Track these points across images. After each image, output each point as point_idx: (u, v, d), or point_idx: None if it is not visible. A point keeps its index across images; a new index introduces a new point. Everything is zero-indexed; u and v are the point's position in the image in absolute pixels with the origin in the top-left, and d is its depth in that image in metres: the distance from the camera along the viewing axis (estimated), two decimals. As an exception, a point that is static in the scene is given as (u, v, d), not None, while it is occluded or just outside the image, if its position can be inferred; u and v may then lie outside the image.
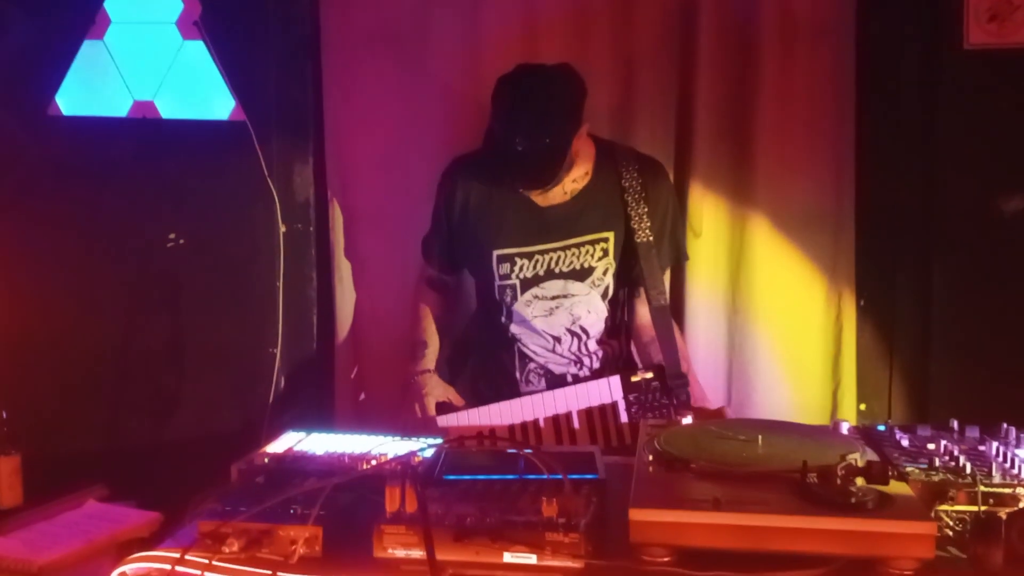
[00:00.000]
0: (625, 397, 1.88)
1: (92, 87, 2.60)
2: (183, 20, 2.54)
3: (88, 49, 2.58)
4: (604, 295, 2.06)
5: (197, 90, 2.55)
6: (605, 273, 2.04)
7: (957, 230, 2.36)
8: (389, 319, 2.56)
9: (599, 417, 1.88)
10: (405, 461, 1.39)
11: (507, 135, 1.88)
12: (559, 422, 1.88)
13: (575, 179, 2.01)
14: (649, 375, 1.89)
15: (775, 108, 2.36)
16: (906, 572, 1.13)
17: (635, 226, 1.99)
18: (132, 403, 2.62)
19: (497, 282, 2.05)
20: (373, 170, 2.54)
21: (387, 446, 1.53)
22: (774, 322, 2.43)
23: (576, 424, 1.88)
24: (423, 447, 1.48)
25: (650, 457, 1.35)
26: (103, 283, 2.62)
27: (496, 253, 2.04)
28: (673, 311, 2.43)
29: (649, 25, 2.39)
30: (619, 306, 2.09)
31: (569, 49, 2.36)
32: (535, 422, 1.89)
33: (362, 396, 2.55)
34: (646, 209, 2.00)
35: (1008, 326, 2.33)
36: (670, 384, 1.91)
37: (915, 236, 2.38)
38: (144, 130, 2.58)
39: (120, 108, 2.60)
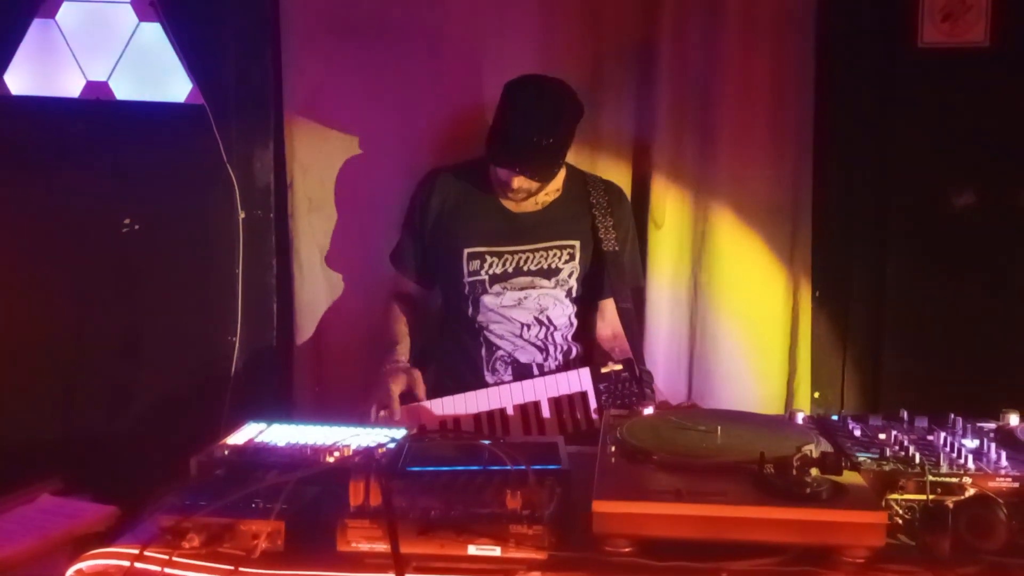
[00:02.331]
0: (595, 387, 1.92)
1: (43, 67, 2.52)
2: (139, 0, 2.48)
3: (39, 28, 2.50)
4: (569, 294, 2.14)
5: (153, 72, 2.49)
6: (571, 276, 2.14)
7: (910, 223, 2.42)
8: (349, 307, 2.54)
9: (568, 406, 1.90)
10: (369, 454, 1.39)
11: (526, 126, 2.00)
12: (528, 411, 1.91)
13: (547, 193, 2.13)
14: (619, 367, 1.94)
15: (736, 101, 2.39)
16: (858, 560, 1.17)
17: (602, 236, 2.13)
18: (87, 393, 2.56)
19: (466, 278, 2.12)
20: (333, 156, 2.51)
21: (350, 438, 1.52)
22: (734, 312, 2.47)
23: (546, 413, 1.90)
24: (386, 440, 1.47)
25: (613, 448, 1.37)
26: (55, 270, 2.55)
27: (467, 251, 2.12)
28: (635, 301, 2.47)
29: (613, 18, 2.40)
30: (585, 308, 2.17)
31: (533, 39, 2.36)
32: (503, 410, 1.91)
33: (317, 389, 2.54)
34: (612, 222, 2.15)
35: (957, 318, 2.40)
36: (641, 376, 1.96)
37: (870, 229, 2.44)
38: (98, 112, 2.52)
39: (72, 89, 2.53)
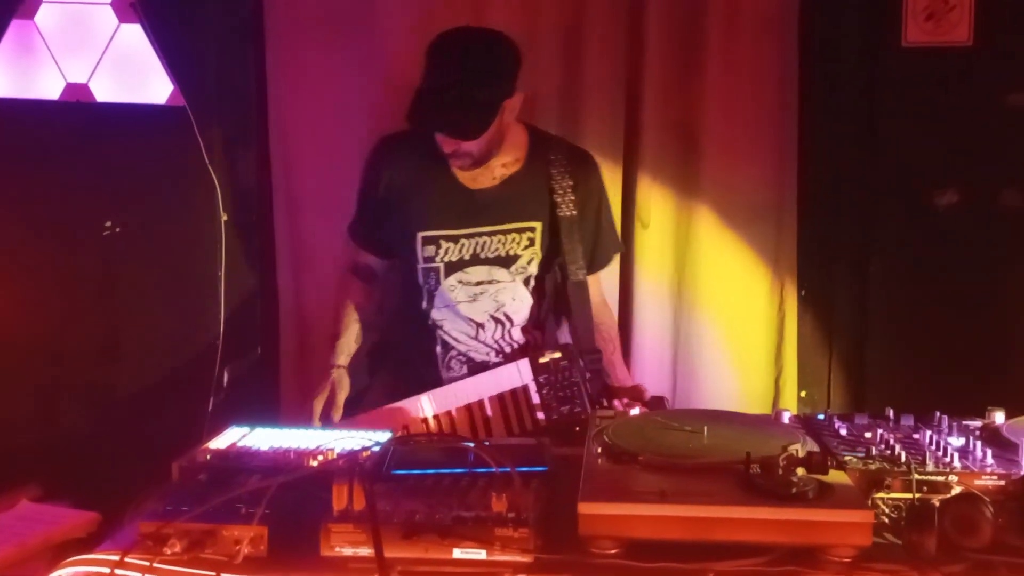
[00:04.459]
0: (535, 379, 1.84)
1: (22, 69, 2.49)
2: (119, 1, 2.46)
3: (18, 29, 2.47)
4: (527, 283, 2.04)
5: (134, 73, 2.47)
6: (530, 263, 2.02)
7: (894, 223, 2.43)
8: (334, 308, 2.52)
9: (511, 402, 1.84)
10: (352, 457, 1.37)
11: (441, 76, 1.84)
12: (472, 411, 1.85)
13: (505, 163, 1.98)
14: (557, 355, 1.85)
15: (720, 101, 2.40)
16: (845, 559, 1.16)
17: (558, 199, 1.97)
18: (67, 397, 2.53)
19: (420, 264, 2.00)
20: (318, 157, 2.50)
21: (333, 441, 1.51)
22: (719, 312, 2.47)
23: (489, 412, 1.85)
24: (370, 443, 1.46)
25: (598, 449, 1.36)
26: (36, 272, 2.52)
27: (421, 235, 1.99)
28: (620, 301, 2.46)
29: (597, 18, 2.40)
30: (543, 296, 2.07)
31: (516, 40, 2.34)
32: (448, 413, 1.86)
33: (302, 392, 2.50)
34: (570, 183, 1.99)
35: (941, 317, 2.41)
36: (584, 361, 1.88)
37: (854, 228, 2.45)
38: (78, 114, 2.49)
39: (52, 91, 2.50)
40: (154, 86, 2.47)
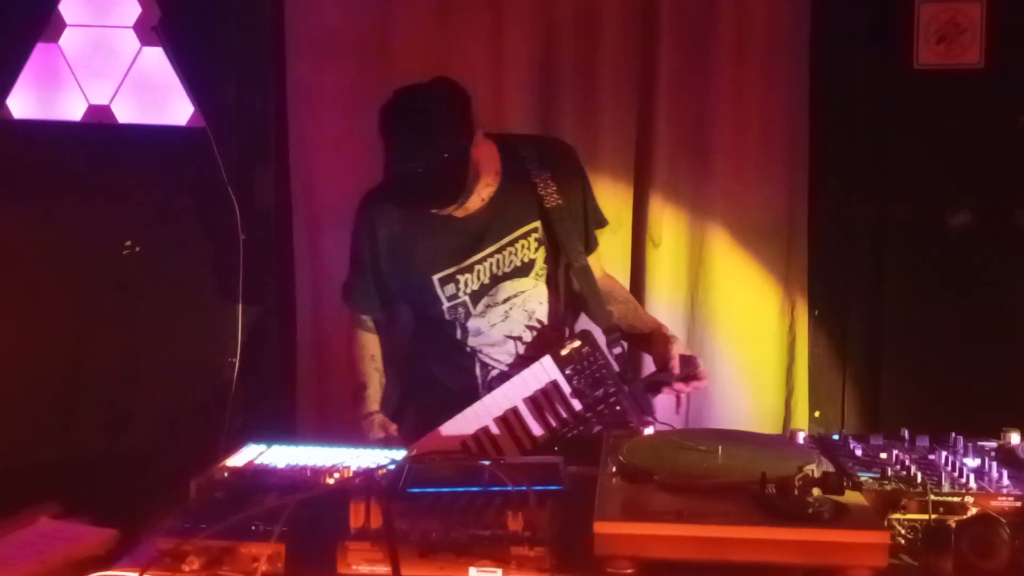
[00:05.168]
0: (562, 372, 1.84)
1: (46, 91, 2.54)
2: (140, 24, 2.50)
3: (42, 52, 2.52)
4: (548, 282, 2.03)
5: (155, 95, 2.51)
6: (546, 260, 2.01)
7: (906, 243, 2.43)
8: (351, 327, 2.54)
9: (545, 400, 1.84)
10: (369, 475, 1.38)
11: (404, 162, 1.83)
12: (509, 419, 1.85)
13: (487, 183, 1.97)
14: (577, 343, 1.85)
15: (732, 123, 2.41)
16: (861, 580, 1.16)
17: (541, 193, 1.96)
18: (86, 415, 2.56)
19: (446, 304, 2.00)
20: (335, 177, 2.52)
21: (350, 459, 1.52)
22: (730, 331, 2.47)
23: (526, 415, 1.86)
24: (387, 461, 1.47)
25: (613, 468, 1.37)
26: (57, 292, 2.55)
27: (436, 278, 1.99)
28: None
29: (611, 41, 2.42)
30: (557, 289, 2.05)
31: (532, 61, 2.38)
32: (486, 428, 1.87)
33: (319, 410, 2.52)
34: (548, 174, 1.98)
35: (956, 337, 2.41)
36: (607, 343, 1.89)
37: (866, 249, 2.45)
38: (99, 135, 2.53)
39: (75, 112, 2.55)
40: (175, 107, 2.51)
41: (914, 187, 2.41)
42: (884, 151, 2.41)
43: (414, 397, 2.12)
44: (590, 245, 2.06)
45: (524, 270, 2.01)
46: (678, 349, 1.87)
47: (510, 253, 1.99)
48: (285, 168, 2.54)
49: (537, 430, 1.83)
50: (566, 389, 1.83)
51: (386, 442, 1.92)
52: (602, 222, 2.15)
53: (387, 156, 1.86)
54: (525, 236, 1.99)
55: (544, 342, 2.03)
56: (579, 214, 2.03)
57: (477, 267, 2.00)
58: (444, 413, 1.98)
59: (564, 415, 1.82)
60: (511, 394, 1.86)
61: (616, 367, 1.85)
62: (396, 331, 2.17)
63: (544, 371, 1.86)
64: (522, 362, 2.03)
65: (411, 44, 2.46)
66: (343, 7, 2.49)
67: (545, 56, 2.42)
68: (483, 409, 1.86)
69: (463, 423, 1.84)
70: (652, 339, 1.94)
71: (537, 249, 2.00)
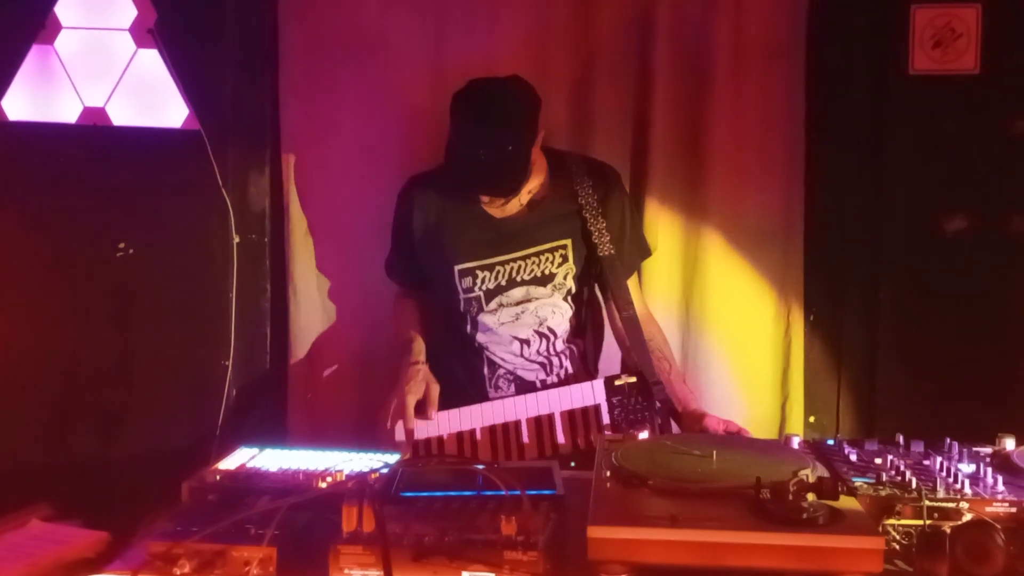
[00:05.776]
0: (608, 400, 1.90)
1: (41, 92, 2.53)
2: (136, 26, 2.50)
3: (37, 53, 2.52)
4: (567, 296, 2.09)
5: (150, 97, 2.51)
6: (566, 277, 2.07)
7: (902, 248, 2.43)
8: (344, 331, 2.54)
9: (581, 419, 1.89)
10: (362, 479, 1.38)
11: (470, 146, 1.90)
12: (541, 423, 1.89)
13: (530, 190, 2.04)
14: (632, 379, 1.91)
15: (728, 127, 2.41)
16: (855, 586, 1.16)
17: (596, 241, 2.03)
18: (78, 417, 2.54)
19: (461, 296, 2.07)
20: (331, 181, 2.52)
21: (343, 463, 1.51)
22: (726, 336, 2.47)
23: (559, 425, 1.89)
24: (380, 464, 1.46)
25: (608, 473, 1.36)
26: (49, 294, 2.54)
27: (457, 268, 2.06)
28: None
29: (606, 44, 2.43)
30: (583, 305, 2.12)
31: (528, 65, 2.37)
32: (517, 423, 1.90)
33: (311, 413, 2.52)
34: (604, 223, 2.04)
35: (951, 343, 2.40)
36: (652, 390, 1.93)
37: (862, 253, 2.45)
38: (94, 137, 2.52)
39: (70, 114, 2.54)
40: (170, 110, 2.51)
41: (910, 192, 2.41)
42: (880, 156, 2.41)
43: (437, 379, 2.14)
44: (631, 270, 2.11)
45: (542, 281, 2.06)
46: (712, 425, 1.90)
47: (533, 263, 2.05)
48: (280, 172, 2.54)
49: (562, 439, 1.87)
50: (605, 418, 1.87)
51: (413, 396, 1.92)
52: (645, 252, 2.22)
53: (452, 139, 1.93)
54: (551, 251, 2.05)
55: (576, 357, 2.08)
56: (626, 246, 2.09)
57: (498, 267, 2.05)
58: (453, 398, 2.02)
59: (592, 440, 1.84)
60: (552, 402, 1.92)
61: (660, 420, 1.90)
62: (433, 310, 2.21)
63: (592, 393, 1.92)
64: (533, 367, 2.06)
65: (406, 50, 2.46)
66: (338, 11, 2.49)
67: (540, 59, 2.42)
68: (522, 404, 1.92)
69: (500, 410, 1.91)
70: (683, 419, 1.98)
71: (560, 265, 2.05)
